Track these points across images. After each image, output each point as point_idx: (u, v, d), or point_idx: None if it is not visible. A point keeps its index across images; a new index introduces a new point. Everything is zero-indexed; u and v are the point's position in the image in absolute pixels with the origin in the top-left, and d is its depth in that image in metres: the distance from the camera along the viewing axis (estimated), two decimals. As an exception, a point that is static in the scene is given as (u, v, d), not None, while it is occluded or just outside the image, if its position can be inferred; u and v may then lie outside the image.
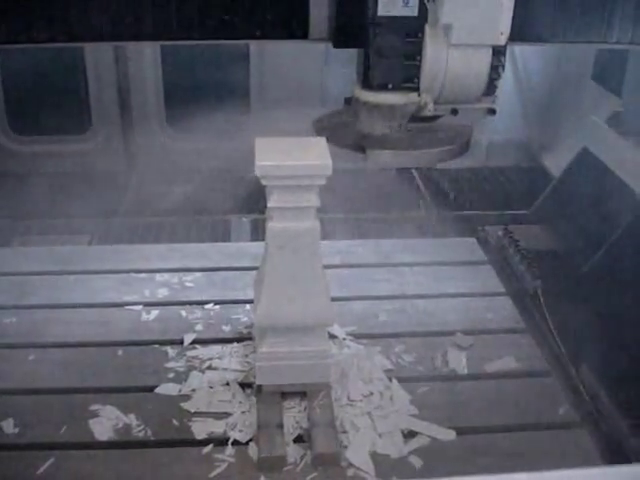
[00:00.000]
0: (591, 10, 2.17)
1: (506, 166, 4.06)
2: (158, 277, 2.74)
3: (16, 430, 2.02)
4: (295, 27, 2.11)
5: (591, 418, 2.15)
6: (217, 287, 2.69)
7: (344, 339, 2.38)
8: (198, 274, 2.77)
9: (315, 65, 3.78)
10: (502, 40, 1.93)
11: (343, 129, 2.16)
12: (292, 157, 1.83)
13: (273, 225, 1.89)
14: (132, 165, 3.96)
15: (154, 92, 3.94)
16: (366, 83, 2.03)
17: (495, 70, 1.98)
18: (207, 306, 2.57)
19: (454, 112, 2.06)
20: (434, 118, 2.08)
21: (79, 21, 1.93)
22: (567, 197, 3.23)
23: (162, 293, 2.65)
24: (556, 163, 3.71)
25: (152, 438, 2.01)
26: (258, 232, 3.29)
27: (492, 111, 2.08)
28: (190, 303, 2.59)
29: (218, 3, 2.04)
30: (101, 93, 3.92)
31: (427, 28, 1.93)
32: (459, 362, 2.31)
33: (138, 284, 2.70)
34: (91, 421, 2.05)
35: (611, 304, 2.48)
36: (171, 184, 3.62)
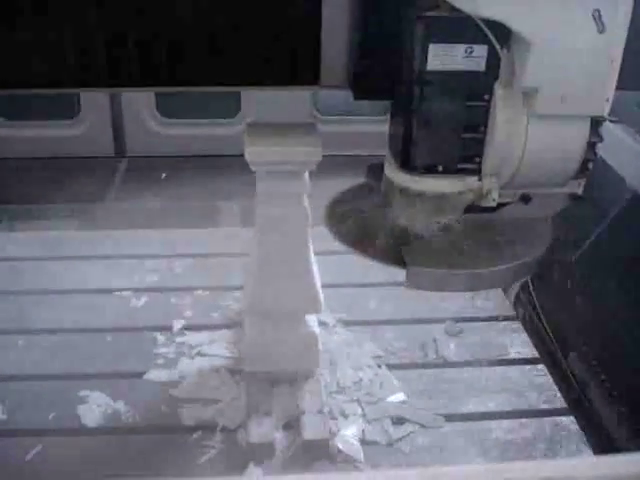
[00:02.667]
0: None
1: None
2: (147, 263, 2.73)
3: (4, 416, 2.01)
4: (302, 70, 1.55)
5: (580, 406, 2.15)
6: (206, 273, 2.68)
7: (334, 325, 2.38)
8: (188, 260, 2.76)
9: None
10: (606, 109, 1.41)
11: (369, 224, 1.59)
12: (282, 142, 1.82)
13: (262, 211, 1.89)
14: (121, 151, 3.94)
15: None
16: (406, 162, 1.46)
17: (591, 148, 1.43)
18: (196, 292, 2.56)
19: (525, 199, 1.49)
20: (497, 207, 1.50)
21: (49, 62, 1.54)
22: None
23: (151, 279, 2.64)
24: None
25: (141, 424, 2.01)
26: (248, 218, 3.28)
27: (577, 197, 1.53)
28: (179, 289, 2.58)
29: (205, 44, 1.54)
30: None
31: (498, 88, 1.38)
32: (449, 349, 2.31)
33: (127, 270, 2.68)
34: (80, 407, 2.04)
35: (600, 292, 2.48)
36: (160, 170, 3.61)
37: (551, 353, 2.36)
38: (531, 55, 1.31)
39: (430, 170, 1.46)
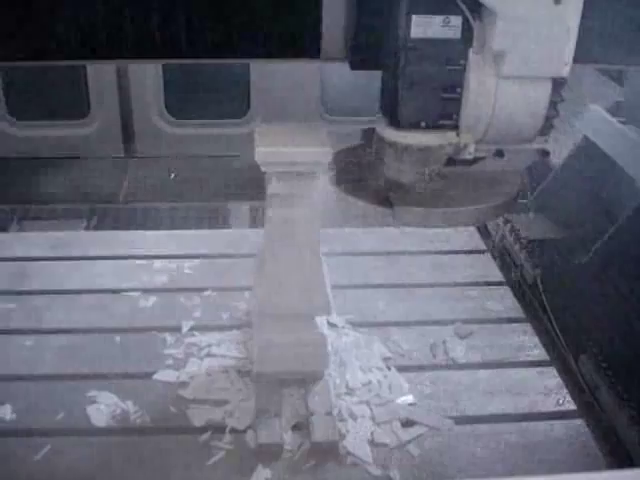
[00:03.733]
0: None
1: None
2: (157, 263, 2.73)
3: (14, 416, 2.02)
4: (305, 44, 1.70)
5: (589, 408, 2.14)
6: (216, 274, 2.68)
7: (343, 327, 2.38)
8: (197, 261, 2.76)
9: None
10: (565, 71, 1.57)
11: (362, 174, 1.79)
12: (292, 144, 1.82)
13: (272, 212, 1.88)
14: (130, 151, 3.95)
15: (153, 77, 3.92)
16: (394, 120, 1.66)
17: (554, 107, 1.63)
18: (206, 293, 2.56)
19: (499, 154, 1.70)
20: (474, 161, 1.71)
21: (75, 38, 1.67)
22: (567, 186, 3.22)
23: (161, 280, 2.64)
24: (557, 152, 3.69)
25: (150, 425, 2.01)
26: (257, 219, 3.28)
27: (545, 153, 1.74)
28: (189, 290, 2.58)
29: (218, 19, 1.69)
30: (100, 78, 3.90)
31: (471, 54, 1.57)
32: (458, 351, 2.30)
33: (136, 270, 2.69)
34: (89, 407, 2.04)
35: (611, 294, 2.47)
36: (169, 170, 3.61)
37: (561, 355, 2.35)
38: (497, 24, 1.50)
39: (414, 126, 1.65)
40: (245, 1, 1.64)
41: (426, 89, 1.60)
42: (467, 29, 1.54)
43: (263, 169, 1.81)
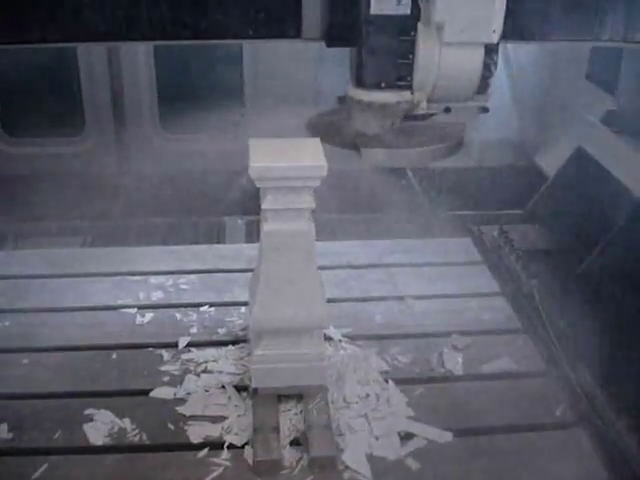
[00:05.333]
0: (583, 7, 2.13)
1: (500, 165, 4.06)
2: (152, 279, 2.73)
3: (10, 435, 2.01)
4: (288, 26, 2.06)
5: (588, 418, 2.14)
6: (212, 289, 2.68)
7: (340, 341, 2.38)
8: (193, 276, 2.76)
9: (308, 63, 3.77)
10: (494, 38, 1.92)
11: (336, 128, 2.15)
12: (286, 158, 1.82)
13: (268, 227, 1.88)
14: (125, 166, 3.95)
15: (147, 93, 3.93)
16: (359, 82, 2.01)
17: (488, 68, 1.97)
18: (202, 309, 2.56)
19: (447, 110, 2.05)
20: (427, 116, 2.07)
21: (70, 21, 1.90)
22: (562, 196, 3.23)
23: (156, 296, 2.64)
24: (551, 162, 3.70)
25: (147, 442, 2.00)
26: (253, 234, 3.28)
27: (485, 109, 2.07)
28: (185, 306, 2.58)
29: (209, 2, 2.00)
30: (94, 94, 3.91)
31: (420, 26, 1.92)
32: (455, 363, 2.30)
33: (132, 287, 2.68)
34: (86, 425, 2.03)
35: (607, 303, 2.47)
36: (164, 185, 3.61)
37: (558, 365, 2.35)
38: (437, 0, 1.87)
39: (376, 86, 1.99)
40: None
41: (384, 56, 1.94)
42: (415, 6, 1.89)
43: (257, 184, 1.82)
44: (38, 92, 3.81)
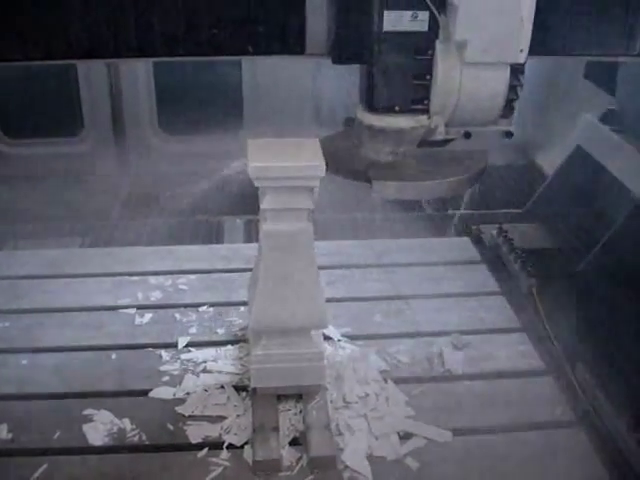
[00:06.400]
0: (613, 20, 1.97)
1: (500, 165, 4.05)
2: (151, 280, 2.73)
3: (9, 436, 2.00)
4: (290, 41, 1.88)
5: (588, 417, 2.14)
6: (211, 289, 2.68)
7: (339, 340, 2.37)
8: (192, 276, 2.76)
9: (309, 75, 3.77)
10: (522, 58, 1.75)
11: (345, 155, 1.95)
12: (285, 158, 1.82)
13: (267, 227, 1.88)
14: (124, 167, 3.94)
15: (146, 94, 3.93)
16: (370, 105, 1.84)
17: (513, 90, 1.81)
18: (201, 309, 2.56)
19: (467, 135, 1.87)
20: (445, 142, 1.90)
21: (58, 38, 1.80)
22: (561, 195, 3.23)
23: (156, 296, 2.64)
24: (550, 161, 3.71)
25: (147, 442, 2.00)
26: (252, 233, 3.28)
27: (509, 134, 1.89)
28: (184, 306, 2.57)
29: (206, 16, 1.83)
30: (93, 95, 3.90)
31: (438, 44, 1.75)
32: (455, 362, 2.30)
33: (131, 287, 2.68)
34: (85, 426, 2.03)
35: (606, 302, 2.47)
36: (163, 187, 3.61)
37: (558, 364, 2.35)
38: (459, 16, 1.69)
39: (389, 110, 1.83)
40: (236, 2, 1.79)
41: (398, 77, 1.78)
42: (434, 22, 1.73)
43: (256, 184, 1.81)
44: (37, 93, 3.81)
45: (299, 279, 1.93)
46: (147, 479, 1.88)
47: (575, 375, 2.29)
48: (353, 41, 1.85)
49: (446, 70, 1.76)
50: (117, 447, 1.98)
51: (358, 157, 1.93)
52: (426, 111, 1.83)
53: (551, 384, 2.24)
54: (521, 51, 1.74)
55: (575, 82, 3.72)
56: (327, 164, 1.79)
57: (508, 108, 1.84)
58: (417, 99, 1.81)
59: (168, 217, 3.41)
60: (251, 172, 1.78)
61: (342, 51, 1.88)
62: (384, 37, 1.73)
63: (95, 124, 3.91)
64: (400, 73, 1.78)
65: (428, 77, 1.78)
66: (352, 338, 2.39)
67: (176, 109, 3.90)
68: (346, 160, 1.93)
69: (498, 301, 2.63)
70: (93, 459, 1.94)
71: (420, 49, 1.76)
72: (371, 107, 1.84)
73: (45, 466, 1.90)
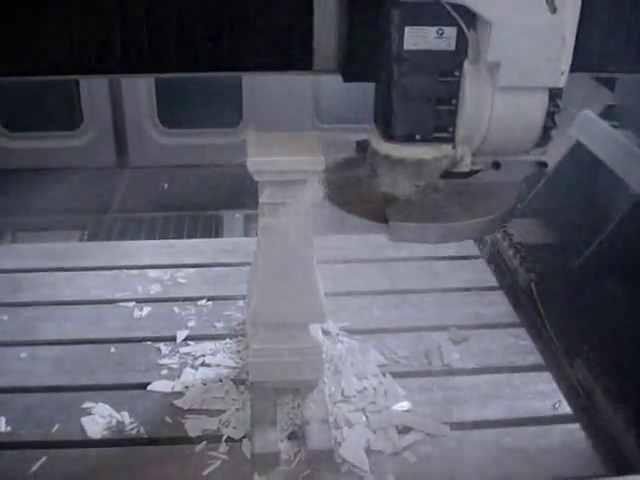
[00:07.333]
0: None
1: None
2: (150, 273, 2.73)
3: (8, 429, 2.01)
4: (296, 56, 1.69)
5: (586, 412, 2.14)
6: (210, 283, 2.68)
7: (337, 334, 2.38)
8: (191, 270, 2.76)
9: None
10: (562, 82, 1.55)
11: (356, 189, 1.72)
12: (284, 152, 1.82)
13: (265, 221, 1.88)
14: (123, 161, 3.94)
15: (146, 87, 3.92)
16: (387, 132, 1.61)
17: (551, 117, 1.59)
18: (200, 302, 2.56)
19: (496, 166, 1.65)
20: (470, 174, 1.67)
21: (45, 54, 1.70)
22: (560, 191, 3.22)
23: (154, 289, 2.64)
24: (549, 157, 3.70)
25: (145, 436, 2.00)
26: (251, 227, 3.28)
27: (543, 164, 1.69)
28: (183, 299, 2.58)
29: (210, 32, 1.67)
30: (92, 89, 3.89)
31: (466, 65, 1.54)
32: (453, 357, 2.30)
33: (130, 281, 2.68)
34: (83, 419, 2.04)
35: (605, 297, 2.48)
36: (162, 180, 3.61)
37: (556, 360, 2.35)
38: (492, 34, 1.47)
39: (409, 139, 1.61)
40: (237, 14, 1.64)
41: (420, 101, 1.57)
42: (461, 40, 1.51)
43: (255, 178, 1.81)
44: (36, 87, 3.80)
45: (297, 273, 1.93)
46: (146, 472, 1.89)
47: (573, 370, 2.30)
48: (367, 57, 1.61)
49: (475, 94, 1.55)
50: (116, 440, 1.99)
51: (372, 191, 1.70)
52: (451, 140, 1.61)
53: (549, 379, 2.24)
54: (562, 74, 1.54)
55: (574, 77, 3.71)
56: (335, 199, 1.66)
57: (545, 137, 1.63)
58: (441, 126, 1.60)
59: (167, 211, 3.42)
60: (250, 166, 1.78)
61: (354, 68, 1.65)
62: (405, 56, 1.52)
63: (95, 118, 3.90)
64: (422, 97, 1.56)
65: (454, 102, 1.57)
66: (351, 332, 2.39)
67: (176, 103, 3.89)
68: (358, 195, 1.71)
69: (497, 296, 2.63)
70: (92, 452, 1.95)
71: (445, 70, 1.55)
72: (388, 135, 1.62)
73: (44, 459, 1.91)
